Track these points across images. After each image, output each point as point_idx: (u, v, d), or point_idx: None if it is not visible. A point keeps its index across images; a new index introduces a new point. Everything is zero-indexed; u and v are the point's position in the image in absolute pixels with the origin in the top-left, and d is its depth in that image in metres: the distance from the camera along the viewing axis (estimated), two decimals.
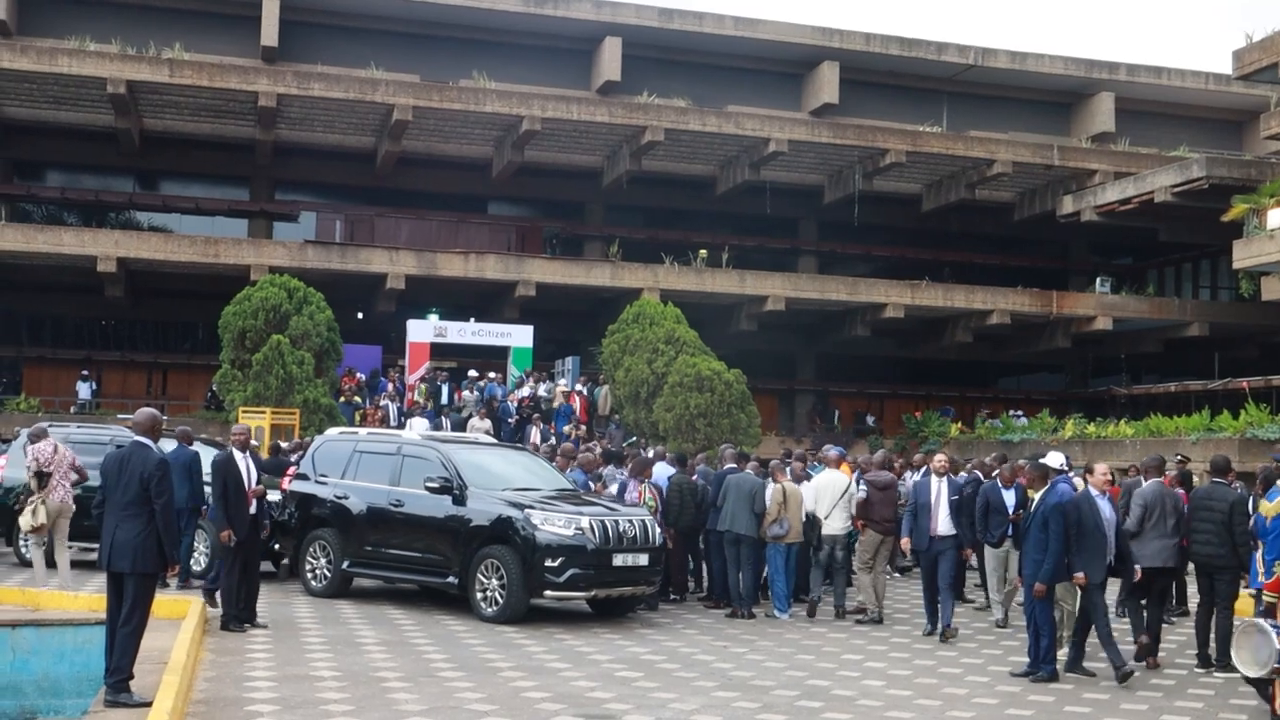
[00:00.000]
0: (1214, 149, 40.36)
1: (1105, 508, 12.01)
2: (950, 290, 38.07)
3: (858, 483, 15.84)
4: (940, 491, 13.94)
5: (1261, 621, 9.81)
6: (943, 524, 13.84)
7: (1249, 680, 10.09)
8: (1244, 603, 12.82)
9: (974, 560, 16.56)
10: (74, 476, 14.49)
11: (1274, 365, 37.36)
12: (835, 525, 15.42)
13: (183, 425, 18.11)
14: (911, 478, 17.49)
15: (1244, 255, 32.27)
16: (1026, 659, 11.74)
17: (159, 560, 9.35)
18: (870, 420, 40.41)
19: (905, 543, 14.30)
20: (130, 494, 9.26)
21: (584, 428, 29.07)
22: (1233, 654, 10.05)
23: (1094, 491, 12.02)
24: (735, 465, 15.91)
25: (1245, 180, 33.86)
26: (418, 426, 26.45)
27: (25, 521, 14.22)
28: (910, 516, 14.09)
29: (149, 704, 8.56)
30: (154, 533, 9.25)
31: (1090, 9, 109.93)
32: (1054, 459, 12.31)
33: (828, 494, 15.49)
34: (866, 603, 15.22)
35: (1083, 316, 38.89)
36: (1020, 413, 38.22)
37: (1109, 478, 11.97)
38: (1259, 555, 11.22)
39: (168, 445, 17.50)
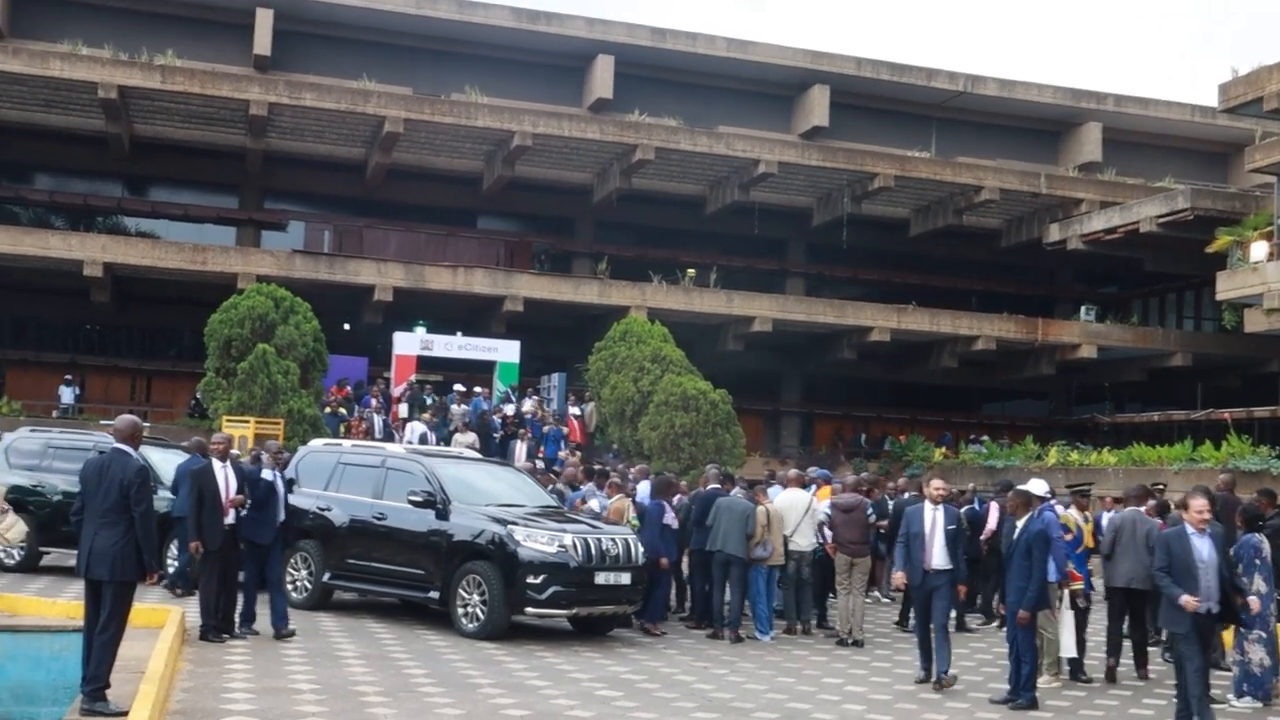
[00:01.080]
0: (1199, 181, 40.65)
1: (1203, 547, 10.38)
2: (936, 315, 38.18)
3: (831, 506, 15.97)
4: (936, 520, 12.38)
5: None
6: (938, 556, 12.28)
7: None
8: (1225, 634, 12.85)
9: None
10: None
11: (1256, 397, 37.57)
12: (800, 543, 15.65)
13: (196, 436, 17.94)
14: (890, 501, 17.33)
15: (1228, 287, 32.49)
16: (1006, 686, 11.75)
17: (138, 569, 9.29)
18: (886, 443, 39.89)
19: (899, 578, 13.08)
20: (109, 501, 9.20)
21: (579, 452, 28.84)
22: None
23: (1189, 529, 10.46)
24: (719, 485, 16.02)
25: (1230, 212, 34.13)
26: (415, 430, 26.62)
27: (15, 535, 14.44)
28: (902, 548, 12.62)
29: (125, 713, 8.52)
30: (133, 540, 9.19)
31: (1079, 39, 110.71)
32: (1037, 486, 12.35)
33: (791, 513, 15.68)
34: (840, 626, 15.30)
35: (1067, 344, 39.04)
36: (984, 438, 38.31)
37: (1206, 516, 10.34)
38: None
39: (174, 456, 17.66)
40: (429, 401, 30.10)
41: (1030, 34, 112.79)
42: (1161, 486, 17.11)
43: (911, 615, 14.93)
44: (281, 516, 13.64)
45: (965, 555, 13.27)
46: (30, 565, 17.73)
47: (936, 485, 12.77)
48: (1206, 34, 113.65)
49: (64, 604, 12.92)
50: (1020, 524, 11.67)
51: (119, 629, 9.26)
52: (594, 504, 16.58)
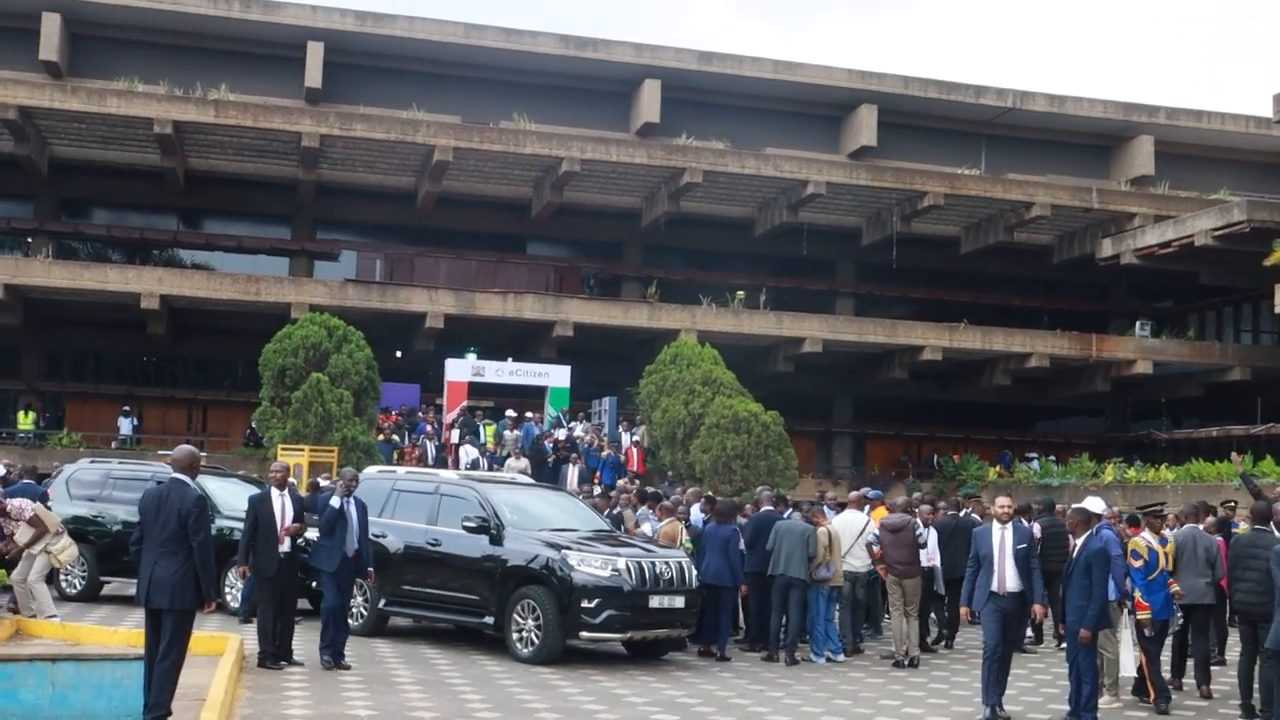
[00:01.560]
0: (1255, 192, 40.11)
1: None
2: (989, 333, 37.91)
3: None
4: (1005, 540, 11.60)
5: None
6: (1010, 578, 11.51)
7: None
8: None
9: None
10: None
11: None
12: (854, 563, 15.71)
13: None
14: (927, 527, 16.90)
15: None
16: (1066, 706, 11.61)
17: (196, 597, 9.38)
18: (937, 462, 39.44)
19: (965, 611, 12.44)
20: (168, 531, 9.29)
21: (638, 481, 28.69)
22: None
23: None
24: (772, 508, 15.98)
25: None
26: (468, 454, 26.85)
27: (68, 557, 14.65)
28: (971, 574, 11.82)
29: None
30: (192, 569, 9.27)
31: (1130, 52, 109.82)
32: (1094, 504, 12.22)
33: (846, 534, 15.73)
34: (895, 648, 15.22)
35: (1122, 360, 38.64)
36: (1034, 456, 38.07)
37: None
38: None
39: (232, 485, 17.88)
40: (481, 428, 30.25)
41: (1079, 49, 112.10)
42: (1233, 504, 16.82)
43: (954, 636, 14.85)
44: (354, 545, 13.24)
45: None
46: (91, 594, 17.99)
47: (1002, 503, 11.95)
48: (1248, 42, 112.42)
49: (125, 632, 13.07)
50: (1079, 543, 11.51)
51: (179, 657, 9.35)
52: (646, 528, 16.57)
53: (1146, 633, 12.40)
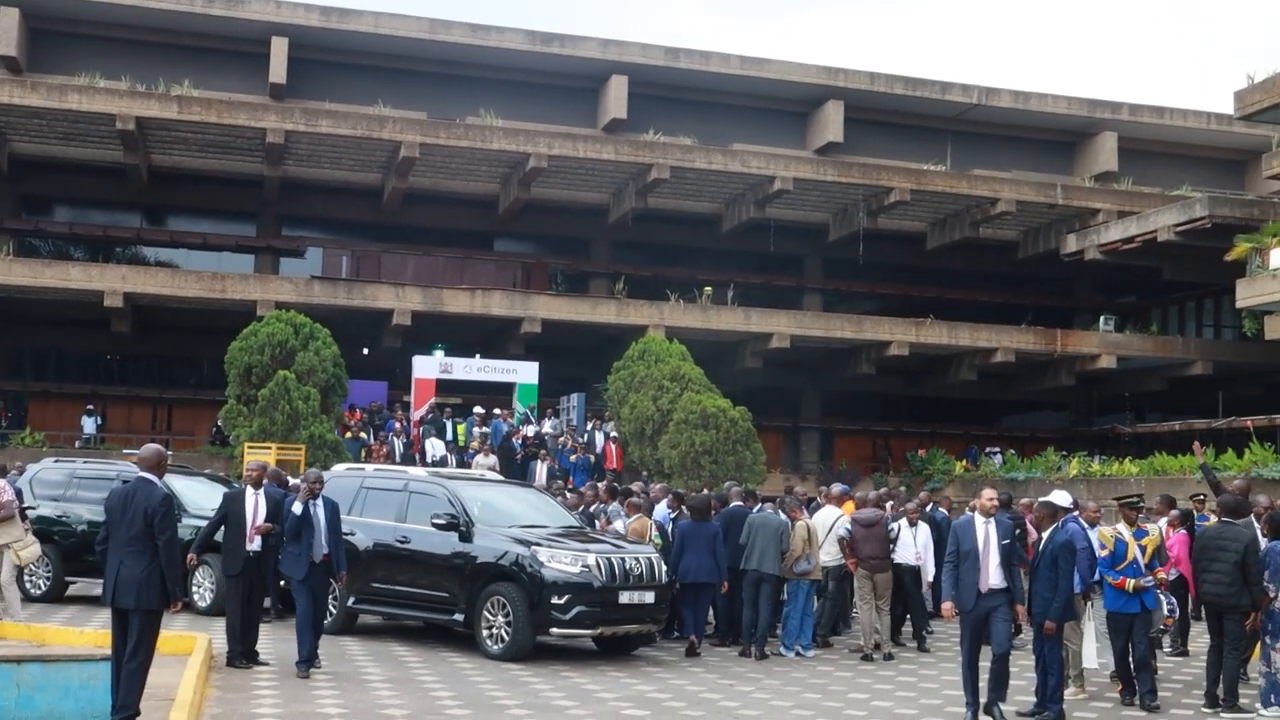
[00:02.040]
0: (1217, 188, 40.51)
1: None
2: (954, 328, 38.10)
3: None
4: (989, 535, 11.11)
5: None
6: (994, 575, 11.03)
7: None
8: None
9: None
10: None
11: (1278, 404, 37.34)
12: (823, 557, 15.71)
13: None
14: (898, 522, 16.85)
15: (1247, 294, 32.37)
16: (1033, 699, 11.70)
17: (163, 597, 9.34)
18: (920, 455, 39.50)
19: (948, 608, 11.47)
20: (134, 530, 9.25)
21: (617, 481, 28.42)
22: None
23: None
24: (742, 503, 16.05)
25: (1248, 220, 34.00)
26: (436, 448, 26.79)
27: (30, 555, 14.57)
28: (951, 569, 11.26)
29: None
30: (158, 569, 9.23)
31: (1093, 49, 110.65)
32: (1060, 497, 12.31)
33: (820, 528, 15.82)
34: (864, 642, 15.30)
35: (1087, 355, 38.92)
36: (997, 450, 38.32)
37: None
38: None
39: (198, 484, 17.82)
40: (449, 425, 30.18)
41: (1044, 44, 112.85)
42: (1202, 497, 16.88)
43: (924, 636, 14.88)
44: (322, 549, 12.66)
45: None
46: (56, 595, 17.85)
47: (988, 495, 11.44)
48: (1211, 38, 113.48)
49: (91, 633, 12.97)
50: (1045, 535, 11.62)
51: (147, 657, 9.32)
52: (618, 524, 16.58)
53: (1160, 627, 12.49)
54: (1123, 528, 12.48)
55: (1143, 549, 12.24)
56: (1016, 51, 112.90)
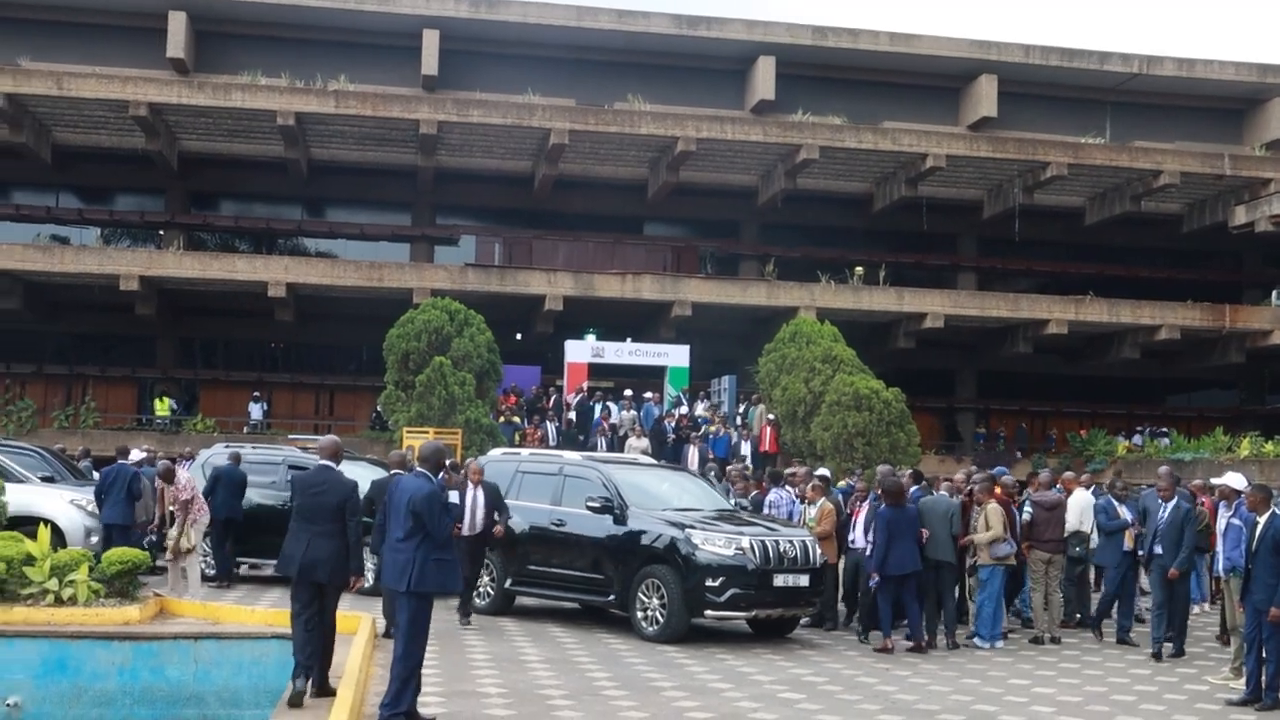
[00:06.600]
0: None
1: None
2: (1115, 305, 37.01)
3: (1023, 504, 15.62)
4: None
5: None
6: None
7: None
8: None
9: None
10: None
11: None
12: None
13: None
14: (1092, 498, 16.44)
15: None
16: (1245, 687, 11.39)
17: (346, 574, 9.91)
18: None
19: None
20: (326, 512, 9.84)
21: (768, 465, 28.36)
22: None
23: None
24: (915, 486, 15.82)
25: None
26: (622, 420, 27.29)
27: (185, 542, 15.25)
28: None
29: (333, 693, 9.43)
30: (344, 548, 9.81)
31: (1260, 11, 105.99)
32: (1235, 479, 11.96)
33: (1078, 510, 15.90)
34: (1036, 625, 14.99)
35: (1258, 330, 37.47)
36: (1165, 430, 37.07)
37: None
38: None
39: (358, 469, 18.33)
40: (597, 409, 30.39)
41: (1204, 9, 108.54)
42: None
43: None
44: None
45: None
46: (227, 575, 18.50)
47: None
48: None
49: (262, 612, 13.43)
50: (1263, 520, 11.21)
51: (332, 627, 9.97)
52: (811, 511, 15.78)
53: None
54: None
55: None
56: (1177, 18, 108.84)
